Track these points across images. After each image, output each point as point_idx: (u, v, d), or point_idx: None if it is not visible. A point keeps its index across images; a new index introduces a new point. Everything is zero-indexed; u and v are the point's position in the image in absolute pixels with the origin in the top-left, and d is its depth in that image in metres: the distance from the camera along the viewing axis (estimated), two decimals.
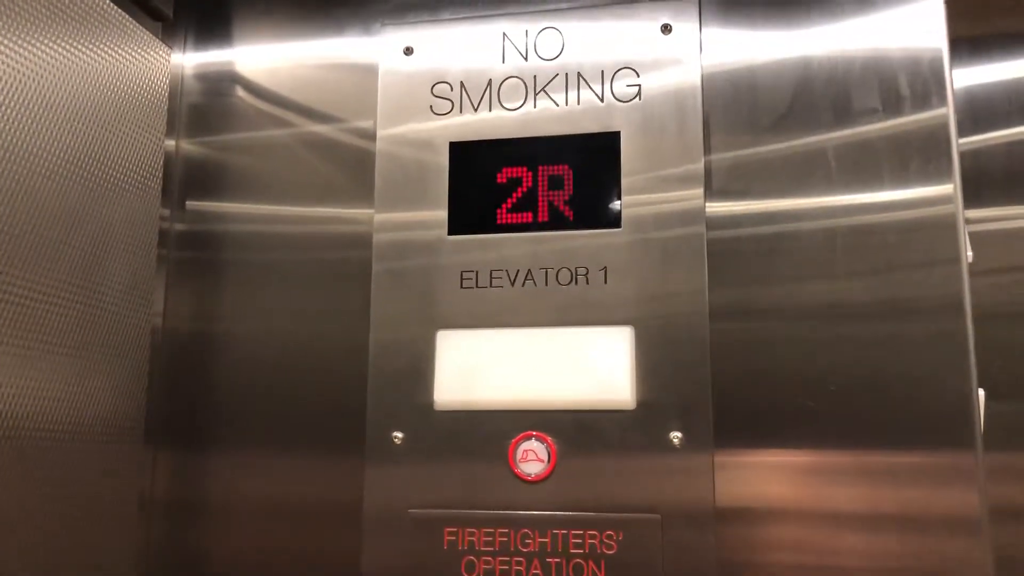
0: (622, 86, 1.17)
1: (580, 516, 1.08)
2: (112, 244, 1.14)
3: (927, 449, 1.03)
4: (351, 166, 1.25)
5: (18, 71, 0.98)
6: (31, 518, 1.00)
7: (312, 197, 1.25)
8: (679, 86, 1.16)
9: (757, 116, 1.15)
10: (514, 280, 1.15)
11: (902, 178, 1.09)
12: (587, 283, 1.13)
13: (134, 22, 1.21)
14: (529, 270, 1.15)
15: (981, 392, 1.03)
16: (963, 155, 1.10)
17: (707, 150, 1.14)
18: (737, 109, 1.15)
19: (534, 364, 1.12)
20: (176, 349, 1.26)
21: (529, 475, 1.10)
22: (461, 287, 1.16)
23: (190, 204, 1.29)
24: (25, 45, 1.00)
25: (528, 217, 1.16)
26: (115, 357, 1.15)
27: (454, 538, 1.10)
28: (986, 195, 1.29)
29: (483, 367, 1.13)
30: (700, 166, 1.13)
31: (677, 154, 1.14)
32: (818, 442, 1.06)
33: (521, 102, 1.20)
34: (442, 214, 1.18)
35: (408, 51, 1.24)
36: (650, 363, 1.09)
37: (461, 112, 1.21)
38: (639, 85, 1.17)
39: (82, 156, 1.09)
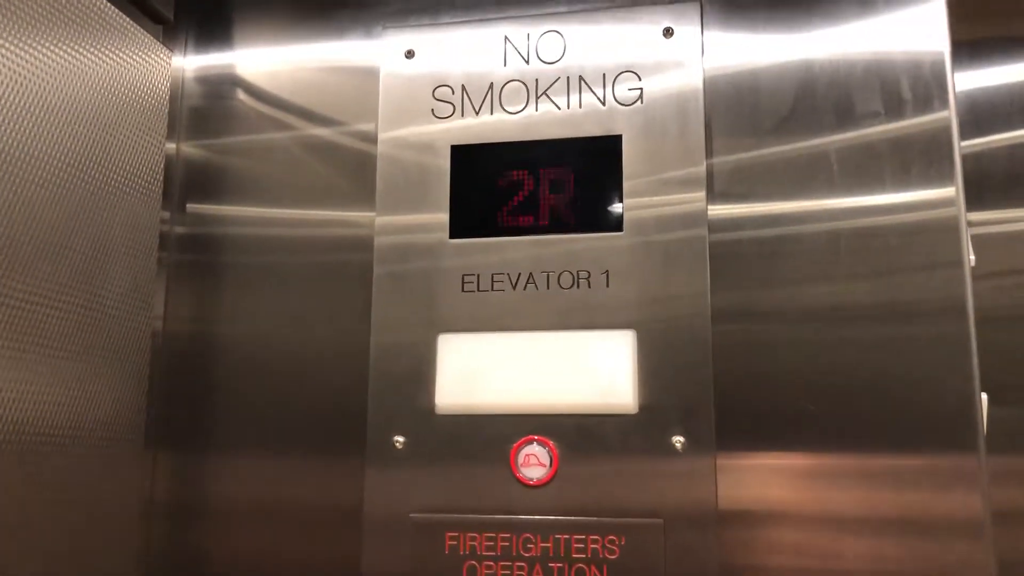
0: (624, 89, 1.17)
1: (582, 521, 1.07)
2: (113, 247, 1.14)
3: (930, 452, 1.03)
4: (352, 169, 1.24)
5: (18, 74, 0.98)
6: (32, 522, 0.99)
7: (313, 200, 1.25)
8: (681, 89, 1.15)
9: (759, 119, 1.14)
10: (515, 283, 1.15)
11: (904, 181, 1.09)
12: (589, 286, 1.13)
13: (135, 25, 1.21)
14: (531, 273, 1.14)
15: (984, 395, 1.03)
16: (965, 158, 1.10)
17: (709, 153, 1.14)
18: (739, 112, 1.15)
19: (536, 368, 1.12)
20: (177, 352, 1.25)
21: (531, 479, 1.10)
22: (462, 290, 1.16)
23: (191, 207, 1.29)
24: (25, 48, 0.99)
25: (530, 220, 1.16)
26: (116, 361, 1.14)
27: (455, 543, 1.10)
28: (988, 198, 1.29)
29: (484, 371, 1.13)
30: (702, 169, 1.13)
31: (679, 157, 1.14)
32: (821, 445, 1.06)
33: (523, 105, 1.19)
34: (443, 217, 1.18)
35: (409, 54, 1.24)
36: (652, 366, 1.09)
37: (463, 115, 1.21)
38: (641, 88, 1.17)
39: (82, 159, 1.09)
